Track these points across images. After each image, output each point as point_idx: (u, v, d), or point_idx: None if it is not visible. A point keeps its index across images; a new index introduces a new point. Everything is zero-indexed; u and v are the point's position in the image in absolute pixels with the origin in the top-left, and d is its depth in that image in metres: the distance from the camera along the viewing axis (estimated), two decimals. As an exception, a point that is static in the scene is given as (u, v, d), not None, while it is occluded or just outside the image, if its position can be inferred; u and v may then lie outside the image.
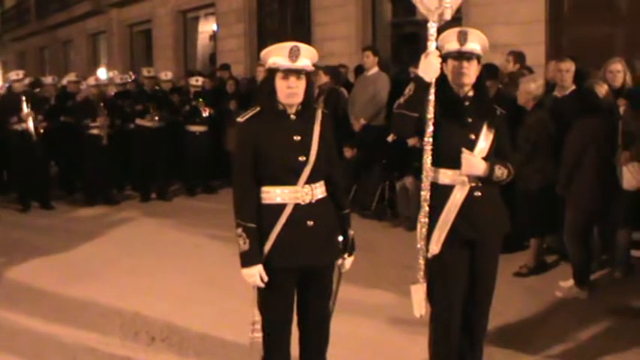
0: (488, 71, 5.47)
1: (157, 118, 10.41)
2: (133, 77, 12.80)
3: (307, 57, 3.28)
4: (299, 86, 3.27)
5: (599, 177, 5.59)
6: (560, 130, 5.91)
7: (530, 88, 6.24)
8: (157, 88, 11.21)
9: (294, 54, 3.23)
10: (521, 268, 6.31)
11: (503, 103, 5.06)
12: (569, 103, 6.14)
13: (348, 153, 8.95)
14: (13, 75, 10.11)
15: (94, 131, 10.03)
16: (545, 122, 6.13)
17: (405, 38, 12.48)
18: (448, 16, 3.52)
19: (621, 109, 5.92)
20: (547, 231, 6.48)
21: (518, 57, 7.85)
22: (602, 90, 5.63)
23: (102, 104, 10.19)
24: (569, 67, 6.41)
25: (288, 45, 3.25)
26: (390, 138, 8.11)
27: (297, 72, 3.25)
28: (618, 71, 6.22)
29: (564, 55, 7.14)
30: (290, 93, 3.27)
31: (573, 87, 6.39)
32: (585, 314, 5.30)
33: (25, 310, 5.55)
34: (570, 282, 5.79)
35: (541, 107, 6.25)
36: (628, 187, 5.73)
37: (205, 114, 10.61)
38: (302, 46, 3.27)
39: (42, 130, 9.79)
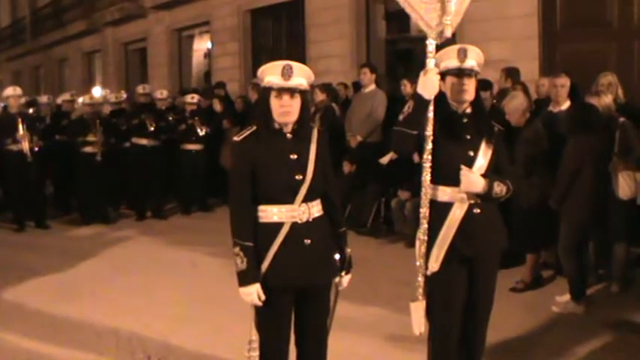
0: (482, 85, 5.49)
1: (152, 128, 10.34)
2: (124, 96, 12.76)
3: (301, 76, 3.28)
4: (293, 105, 3.27)
5: (595, 192, 5.60)
6: (555, 145, 5.92)
7: (514, 105, 6.26)
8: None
9: (286, 73, 3.23)
10: (517, 283, 6.31)
11: (497, 118, 5.07)
12: (565, 118, 6.16)
13: (347, 167, 8.95)
14: (10, 90, 9.99)
15: (88, 149, 10.00)
16: (540, 136, 6.14)
17: (400, 55, 12.55)
18: (448, 33, 3.50)
19: (620, 119, 5.91)
20: (543, 246, 6.48)
21: (511, 73, 7.88)
22: (603, 102, 5.66)
23: (97, 121, 10.15)
24: (564, 82, 6.45)
25: (280, 64, 3.25)
26: (383, 160, 8.11)
27: (291, 91, 3.25)
28: (610, 84, 6.27)
29: (559, 70, 7.18)
30: (284, 112, 3.27)
31: (568, 102, 6.42)
32: (582, 329, 5.29)
33: (20, 330, 5.51)
34: (566, 297, 5.78)
35: (534, 122, 6.27)
36: (623, 196, 5.74)
37: (201, 132, 10.60)
38: (295, 64, 3.27)
39: (37, 149, 9.73)
